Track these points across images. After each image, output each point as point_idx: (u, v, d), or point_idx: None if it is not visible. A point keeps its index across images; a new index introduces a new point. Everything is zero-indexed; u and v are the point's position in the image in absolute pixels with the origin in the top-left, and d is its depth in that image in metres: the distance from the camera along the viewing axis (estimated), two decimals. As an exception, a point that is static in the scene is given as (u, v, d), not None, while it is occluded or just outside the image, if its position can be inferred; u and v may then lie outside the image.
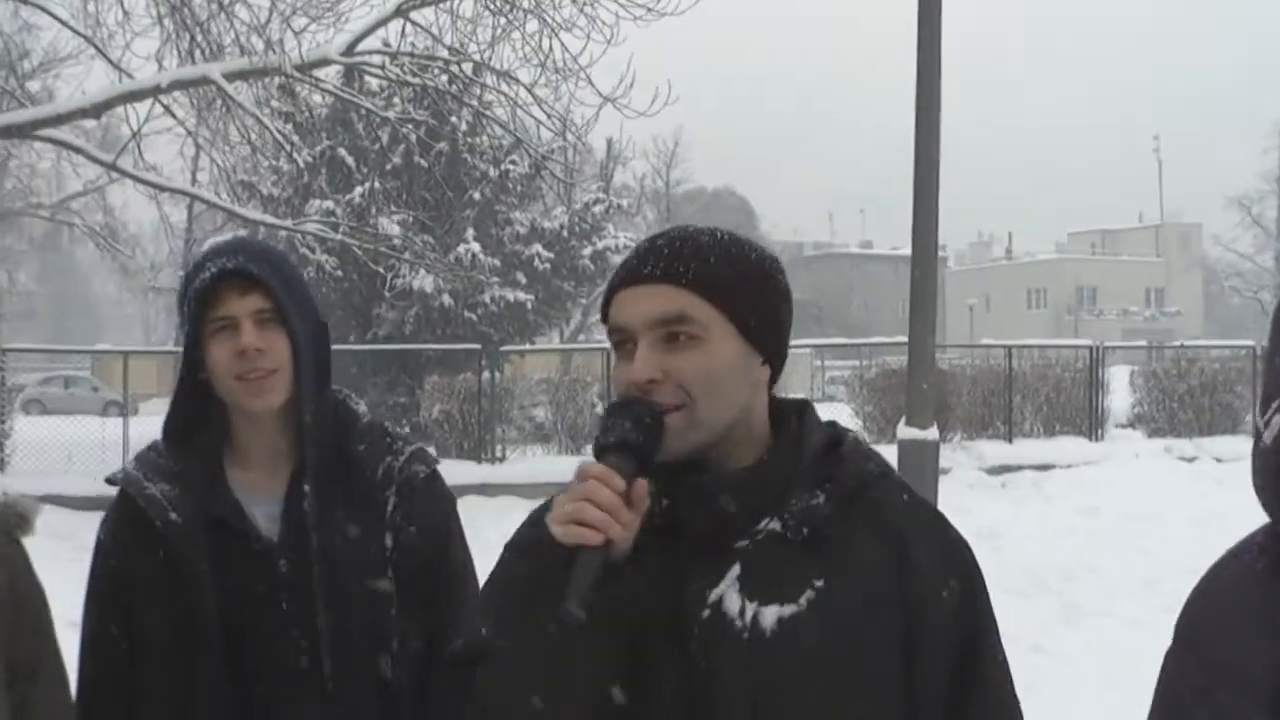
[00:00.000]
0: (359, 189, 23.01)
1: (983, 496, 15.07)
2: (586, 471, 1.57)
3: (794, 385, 29.36)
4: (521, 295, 24.53)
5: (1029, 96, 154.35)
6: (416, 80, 17.40)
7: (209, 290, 2.12)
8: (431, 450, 2.35)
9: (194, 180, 24.65)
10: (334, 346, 2.25)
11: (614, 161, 44.32)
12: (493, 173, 24.77)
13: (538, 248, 25.49)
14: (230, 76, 15.68)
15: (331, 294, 24.04)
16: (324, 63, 16.72)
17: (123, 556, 2.16)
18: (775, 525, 1.67)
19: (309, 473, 2.17)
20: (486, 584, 1.75)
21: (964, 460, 17.39)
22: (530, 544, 1.65)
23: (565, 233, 26.60)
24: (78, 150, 17.00)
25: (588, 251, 26.86)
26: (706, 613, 1.63)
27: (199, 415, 2.22)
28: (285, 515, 2.17)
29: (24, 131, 16.58)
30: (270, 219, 19.96)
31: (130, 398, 39.31)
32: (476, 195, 24.08)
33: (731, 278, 1.68)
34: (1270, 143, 64.68)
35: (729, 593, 1.63)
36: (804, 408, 1.82)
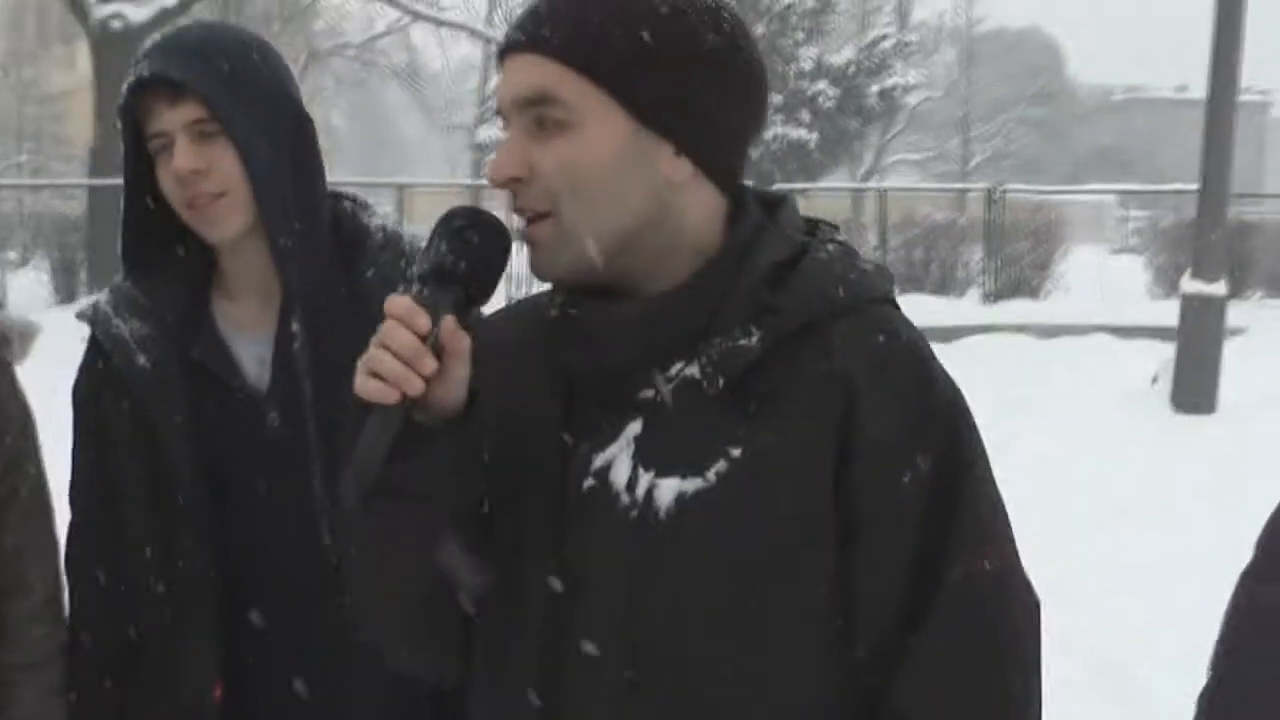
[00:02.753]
0: None
1: (1280, 360, 13.94)
2: (388, 309, 1.25)
3: (1094, 236, 27.95)
4: (805, 134, 24.03)
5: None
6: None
7: (132, 105, 1.77)
8: None
9: (489, 18, 24.95)
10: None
11: (911, -4, 42.60)
12: (779, 3, 24.14)
13: (823, 85, 24.80)
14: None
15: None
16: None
17: (91, 408, 1.89)
18: (692, 371, 1.29)
19: (296, 307, 1.82)
20: None
21: (1265, 320, 16.09)
22: None
23: (852, 69, 25.78)
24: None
25: (875, 89, 26.01)
26: (589, 482, 1.30)
27: (172, 237, 1.88)
28: (276, 359, 1.84)
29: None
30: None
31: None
32: (760, 29, 23.55)
33: (618, 38, 1.26)
34: None
35: (620, 458, 1.30)
36: (779, 205, 1.39)
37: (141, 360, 1.82)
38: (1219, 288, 10.90)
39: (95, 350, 1.88)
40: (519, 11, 1.35)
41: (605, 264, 1.30)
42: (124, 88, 1.78)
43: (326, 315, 1.83)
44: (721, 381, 1.27)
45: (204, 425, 1.82)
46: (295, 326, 1.82)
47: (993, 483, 1.32)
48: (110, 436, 1.86)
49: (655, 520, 1.27)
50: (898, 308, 1.36)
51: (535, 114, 1.28)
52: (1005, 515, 1.33)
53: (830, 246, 1.34)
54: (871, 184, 34.80)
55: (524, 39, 1.30)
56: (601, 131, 1.28)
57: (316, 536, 1.80)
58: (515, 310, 1.47)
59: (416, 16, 17.64)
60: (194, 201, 1.78)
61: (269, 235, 1.81)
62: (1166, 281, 17.64)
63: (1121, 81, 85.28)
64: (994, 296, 17.87)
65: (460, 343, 1.27)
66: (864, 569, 1.27)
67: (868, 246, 18.90)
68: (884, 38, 27.18)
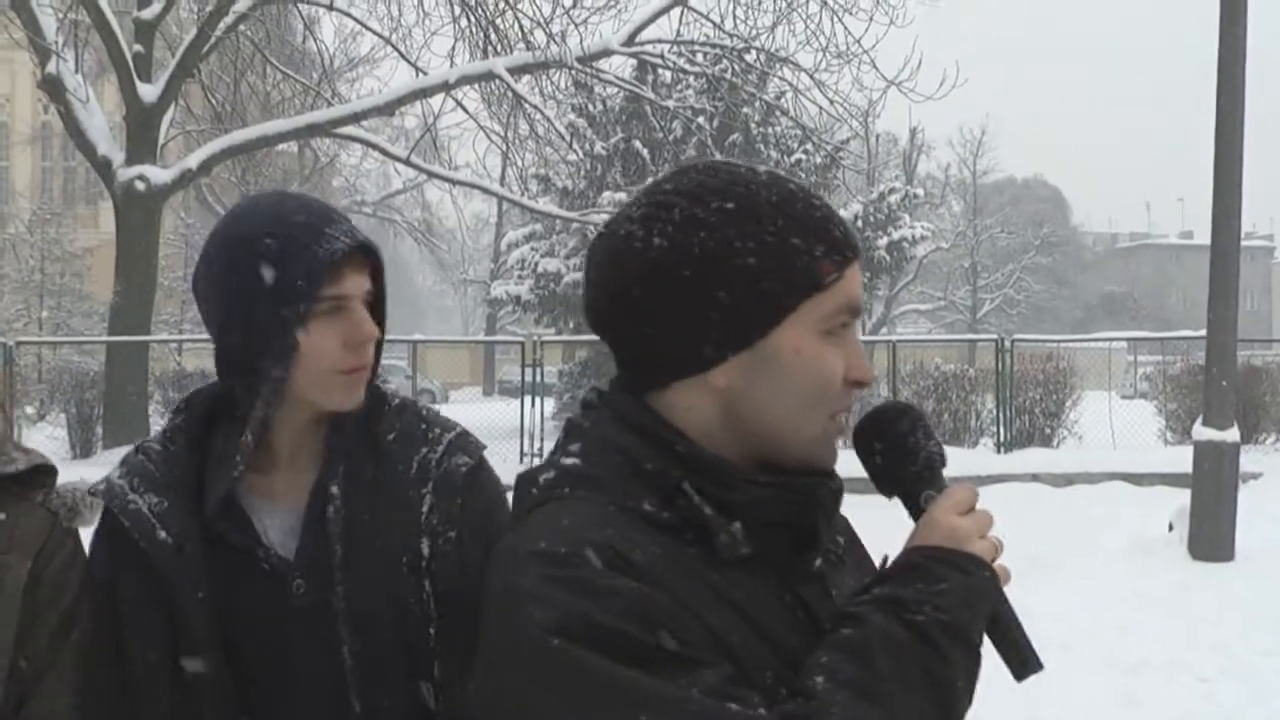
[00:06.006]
0: (651, 180, 23.27)
1: (1296, 505, 13.81)
2: (972, 501, 1.39)
3: (1104, 382, 27.98)
4: (813, 286, 24.25)
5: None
6: (696, 68, 17.48)
7: (328, 264, 1.76)
8: (474, 437, 1.97)
9: (502, 178, 25.49)
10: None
11: (917, 151, 43.47)
12: (786, 162, 24.61)
13: (831, 238, 25.11)
14: (514, 71, 16.12)
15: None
16: (604, 54, 17.04)
17: (108, 582, 1.84)
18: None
19: (338, 474, 1.82)
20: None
21: (1278, 465, 16.04)
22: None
23: (860, 223, 26.16)
24: (372, 145, 17.87)
25: (883, 242, 26.35)
26: None
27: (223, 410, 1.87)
28: (307, 525, 1.82)
29: (324, 130, 17.55)
30: (561, 211, 20.49)
31: (442, 386, 40.67)
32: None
33: None
34: None
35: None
36: None
37: (162, 535, 1.80)
38: (1231, 434, 10.86)
39: (110, 525, 1.85)
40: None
41: None
42: (330, 248, 1.77)
43: (355, 480, 1.84)
44: (842, 541, 1.53)
45: (227, 599, 1.78)
46: (334, 489, 1.82)
47: None
48: (122, 614, 1.81)
49: None
50: None
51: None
52: None
53: None
54: (882, 335, 35.00)
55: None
56: None
57: (348, 704, 1.78)
58: None
59: (431, 175, 17.96)
60: (357, 369, 1.82)
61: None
62: (1179, 427, 17.62)
63: (1126, 229, 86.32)
64: (1007, 446, 17.85)
65: None
66: None
67: (879, 397, 18.96)
68: (891, 191, 27.62)
